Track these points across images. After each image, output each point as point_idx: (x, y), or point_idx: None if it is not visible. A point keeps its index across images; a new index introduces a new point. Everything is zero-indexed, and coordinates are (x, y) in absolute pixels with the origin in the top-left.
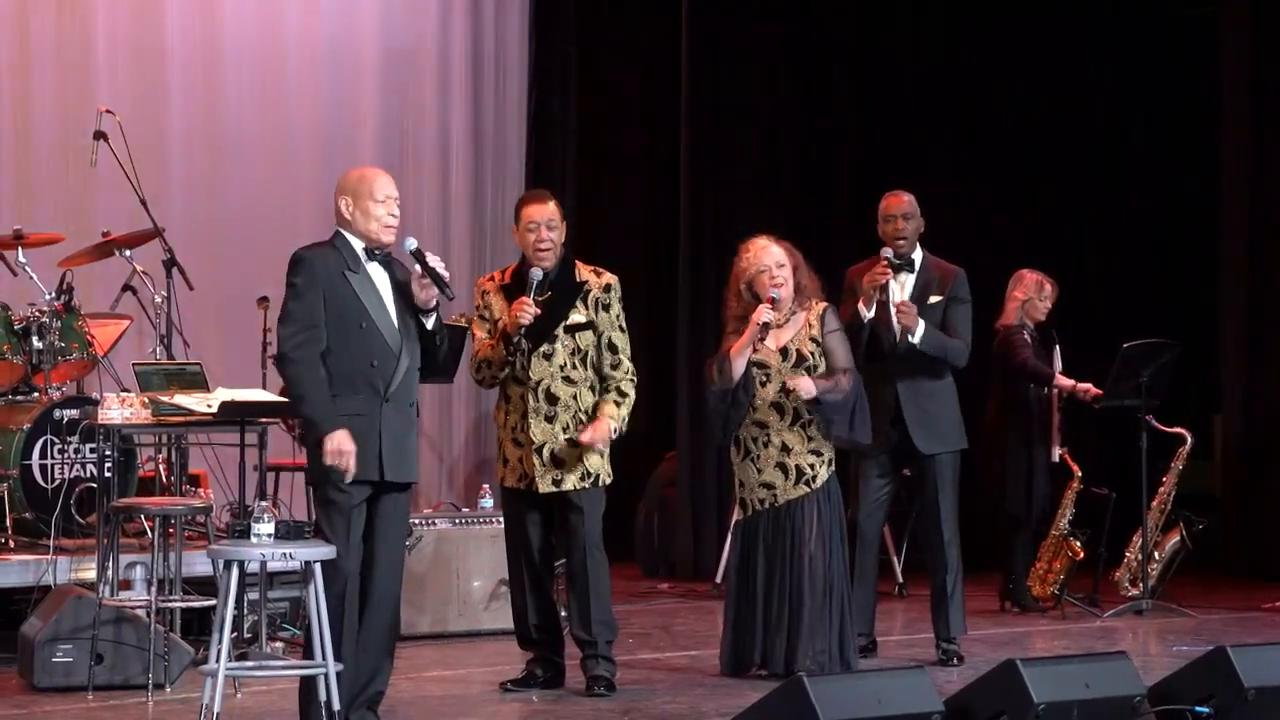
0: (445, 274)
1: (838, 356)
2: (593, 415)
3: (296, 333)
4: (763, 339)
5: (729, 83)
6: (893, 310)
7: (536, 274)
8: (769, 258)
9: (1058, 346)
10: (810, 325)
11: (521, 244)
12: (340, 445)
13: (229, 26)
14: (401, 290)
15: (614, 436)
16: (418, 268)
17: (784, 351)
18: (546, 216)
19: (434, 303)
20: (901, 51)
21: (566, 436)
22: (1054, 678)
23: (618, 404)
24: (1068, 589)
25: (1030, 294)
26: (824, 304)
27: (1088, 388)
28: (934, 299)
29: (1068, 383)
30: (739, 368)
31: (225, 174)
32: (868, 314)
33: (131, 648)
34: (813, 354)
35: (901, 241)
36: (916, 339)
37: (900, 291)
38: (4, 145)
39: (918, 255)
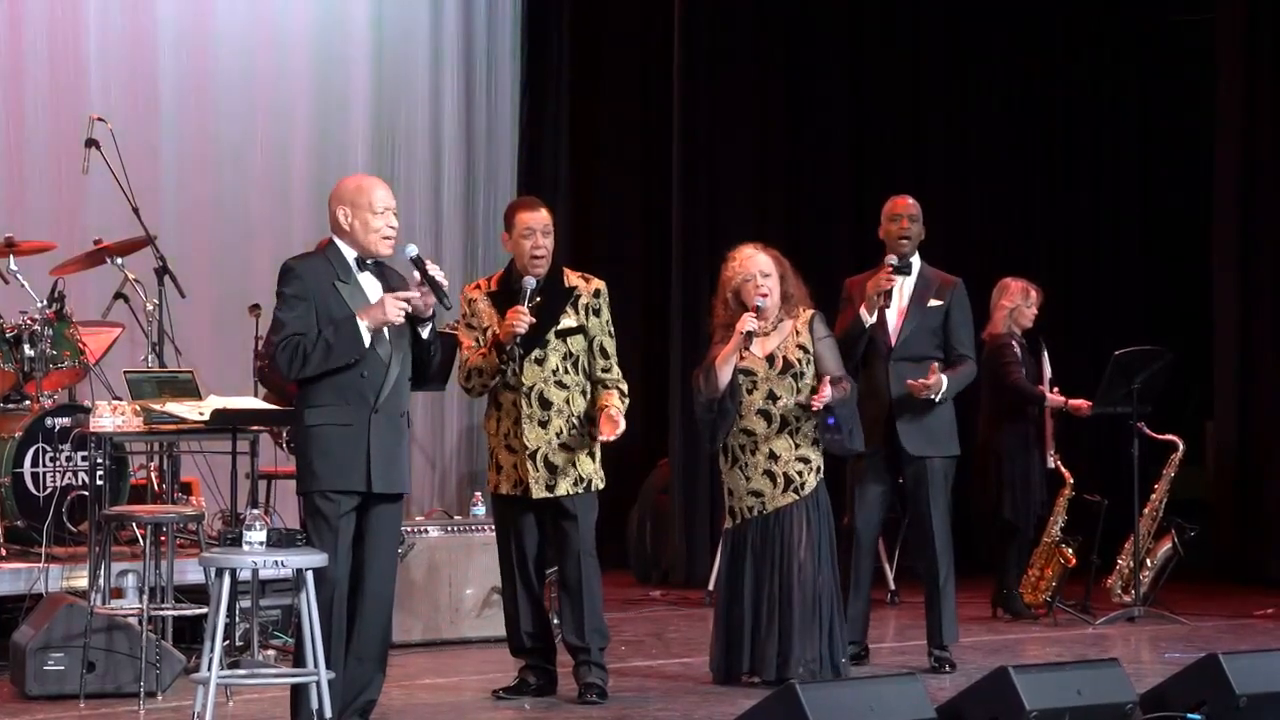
0: (444, 282)
1: (829, 364)
2: (590, 410)
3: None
4: (747, 348)
5: (723, 86)
6: (890, 320)
7: (530, 282)
8: (754, 266)
9: (1046, 353)
10: (798, 332)
11: (515, 250)
12: (387, 304)
13: (221, 34)
14: None
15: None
16: (416, 275)
17: (770, 359)
18: (542, 224)
19: (430, 311)
20: (896, 59)
21: (560, 441)
22: (1046, 685)
23: (621, 398)
24: (1060, 596)
25: (1017, 302)
26: (811, 311)
27: (1079, 404)
28: (933, 302)
29: (1058, 400)
30: (725, 377)
31: (217, 181)
32: (869, 319)
33: (123, 656)
34: (799, 361)
35: (905, 241)
36: (940, 397)
37: (900, 295)
38: None
39: (916, 261)
